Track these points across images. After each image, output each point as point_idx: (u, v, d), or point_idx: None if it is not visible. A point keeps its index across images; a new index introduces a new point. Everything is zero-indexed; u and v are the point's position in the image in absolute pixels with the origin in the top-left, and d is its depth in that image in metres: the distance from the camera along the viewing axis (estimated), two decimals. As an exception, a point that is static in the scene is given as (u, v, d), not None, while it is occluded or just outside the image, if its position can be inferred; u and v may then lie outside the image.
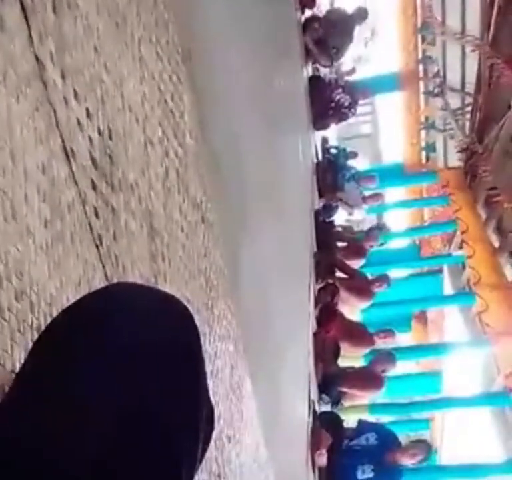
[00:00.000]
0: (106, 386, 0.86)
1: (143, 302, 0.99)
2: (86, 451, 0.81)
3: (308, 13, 10.15)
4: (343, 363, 8.31)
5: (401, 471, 6.74)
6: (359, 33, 10.66)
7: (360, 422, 7.26)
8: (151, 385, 0.89)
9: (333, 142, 12.43)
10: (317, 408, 6.79)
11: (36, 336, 1.21)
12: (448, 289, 13.92)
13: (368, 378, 7.76)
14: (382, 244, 11.15)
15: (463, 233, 11.73)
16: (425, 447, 6.93)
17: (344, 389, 7.52)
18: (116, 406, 0.85)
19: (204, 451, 1.01)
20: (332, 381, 7.45)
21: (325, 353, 7.51)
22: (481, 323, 10.56)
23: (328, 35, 9.91)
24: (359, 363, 9.33)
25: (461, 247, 11.99)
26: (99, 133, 1.63)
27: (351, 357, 8.80)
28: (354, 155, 11.39)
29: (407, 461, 6.68)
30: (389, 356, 7.97)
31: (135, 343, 0.91)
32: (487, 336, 10.27)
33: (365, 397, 8.23)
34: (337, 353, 7.84)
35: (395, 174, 14.22)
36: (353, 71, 11.42)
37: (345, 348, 8.02)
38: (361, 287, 9.21)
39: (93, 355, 0.89)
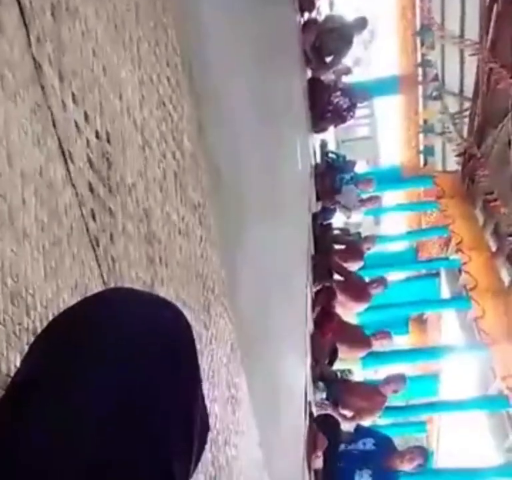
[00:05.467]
0: (100, 390, 0.86)
1: (139, 308, 0.99)
2: (79, 452, 0.82)
3: (307, 15, 10.14)
4: (340, 365, 8.32)
5: (399, 476, 6.75)
6: (357, 36, 10.62)
7: (357, 426, 7.27)
8: (145, 390, 0.89)
9: (331, 144, 12.44)
10: (313, 410, 6.79)
11: (32, 339, 1.21)
12: (445, 293, 13.96)
13: (372, 396, 7.72)
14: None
15: (457, 244, 11.80)
16: (422, 452, 6.94)
17: (346, 398, 7.50)
18: (110, 410, 0.85)
19: (199, 454, 1.02)
20: (330, 383, 7.45)
21: (322, 355, 7.52)
22: (477, 328, 10.60)
23: (325, 42, 9.89)
24: (357, 365, 9.34)
25: (458, 251, 12.02)
26: (97, 136, 1.63)
27: (349, 360, 8.82)
28: (353, 164, 11.40)
29: (405, 467, 6.69)
30: (401, 378, 7.94)
31: (130, 348, 0.91)
32: (484, 340, 10.31)
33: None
34: (334, 355, 7.85)
35: (393, 177, 14.25)
36: (349, 70, 11.37)
37: (342, 350, 8.03)
38: (358, 289, 9.22)
39: (88, 360, 0.89)
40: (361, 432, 7.15)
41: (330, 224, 10.54)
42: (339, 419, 7.23)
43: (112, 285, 1.65)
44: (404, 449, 7.15)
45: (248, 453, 3.34)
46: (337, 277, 9.12)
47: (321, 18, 10.62)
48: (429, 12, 14.15)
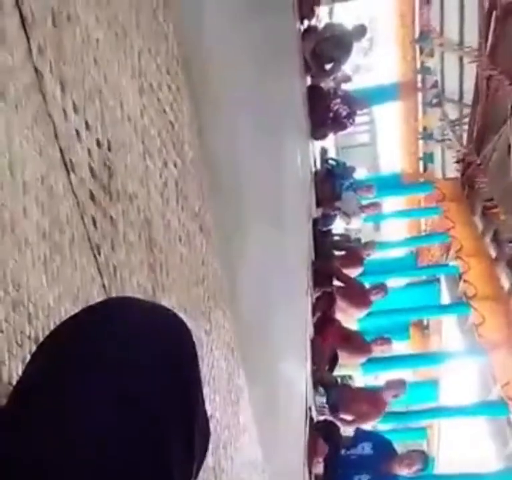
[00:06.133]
0: (102, 397, 0.87)
1: (141, 316, 1.00)
2: (79, 458, 0.82)
3: (307, 23, 10.16)
4: (340, 371, 8.31)
5: (398, 481, 6.74)
6: (357, 44, 10.64)
7: (356, 431, 7.25)
8: (147, 396, 0.89)
9: (331, 151, 12.45)
10: (313, 416, 6.79)
11: (34, 347, 1.21)
12: (445, 299, 13.94)
13: (372, 401, 7.72)
14: None
15: (457, 250, 11.80)
16: (421, 457, 6.93)
17: (346, 403, 7.49)
18: (111, 416, 0.86)
19: (201, 459, 1.02)
20: (330, 388, 7.44)
21: (322, 360, 7.51)
22: (477, 334, 10.59)
23: (324, 49, 9.91)
24: (357, 371, 9.34)
25: (457, 257, 12.02)
26: (98, 145, 1.64)
27: (349, 366, 8.81)
28: (352, 170, 11.42)
29: (404, 471, 6.67)
30: (402, 383, 7.95)
31: (131, 356, 0.91)
32: (484, 346, 10.30)
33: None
34: (334, 361, 7.85)
35: (393, 184, 14.26)
36: (348, 78, 11.40)
37: (342, 356, 8.02)
38: (358, 295, 9.23)
39: (91, 368, 0.89)
40: (360, 436, 7.13)
41: (330, 230, 10.55)
42: (339, 424, 7.22)
43: (113, 293, 1.65)
44: (403, 453, 7.14)
45: (248, 457, 3.34)
46: (337, 283, 9.12)
47: (320, 26, 10.64)
48: (428, 19, 14.19)
